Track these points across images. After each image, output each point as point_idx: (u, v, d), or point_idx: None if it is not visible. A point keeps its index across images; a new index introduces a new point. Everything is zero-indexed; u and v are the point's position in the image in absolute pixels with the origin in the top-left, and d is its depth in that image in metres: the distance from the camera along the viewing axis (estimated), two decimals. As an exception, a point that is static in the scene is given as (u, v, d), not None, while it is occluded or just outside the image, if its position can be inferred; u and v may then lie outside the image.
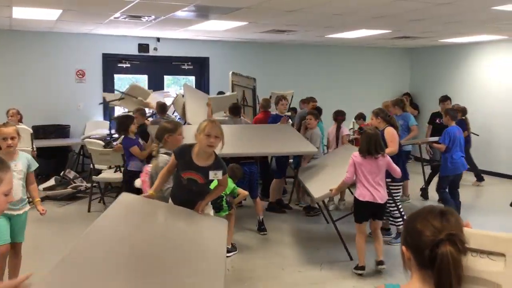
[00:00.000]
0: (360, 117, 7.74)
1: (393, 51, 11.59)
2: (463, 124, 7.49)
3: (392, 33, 8.30)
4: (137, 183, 4.48)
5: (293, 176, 7.11)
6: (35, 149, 6.65)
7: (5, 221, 3.69)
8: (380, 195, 4.57)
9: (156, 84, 9.91)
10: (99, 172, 7.04)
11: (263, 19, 6.90)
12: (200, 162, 3.52)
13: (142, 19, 6.99)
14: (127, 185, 6.02)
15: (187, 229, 3.34)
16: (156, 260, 2.62)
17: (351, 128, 8.05)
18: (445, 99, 8.19)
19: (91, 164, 6.92)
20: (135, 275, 2.43)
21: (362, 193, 4.58)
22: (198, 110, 7.03)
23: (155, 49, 9.65)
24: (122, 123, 6.17)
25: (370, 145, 4.52)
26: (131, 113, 7.11)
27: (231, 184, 5.04)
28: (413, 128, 7.29)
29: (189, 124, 6.58)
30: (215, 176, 3.53)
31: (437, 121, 7.99)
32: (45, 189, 7.16)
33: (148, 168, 4.22)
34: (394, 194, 5.38)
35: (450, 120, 6.35)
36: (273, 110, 7.35)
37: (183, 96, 7.69)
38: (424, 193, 7.57)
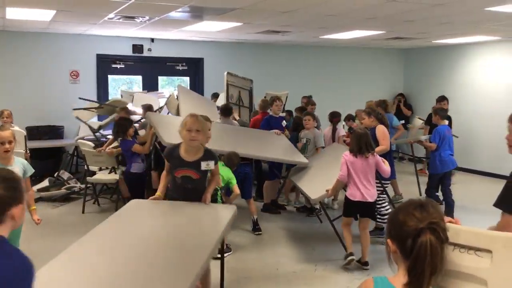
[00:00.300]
0: (350, 118, 7.84)
1: (388, 52, 11.64)
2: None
3: (386, 34, 8.34)
4: None
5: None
6: (28, 151, 6.59)
7: None
8: (370, 194, 4.70)
9: (151, 85, 9.91)
10: (93, 173, 7.02)
11: (257, 20, 6.91)
12: (190, 158, 3.60)
13: (136, 19, 6.98)
14: (132, 188, 6.02)
15: (194, 220, 3.47)
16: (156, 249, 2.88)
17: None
18: (442, 99, 8.32)
19: (85, 165, 6.90)
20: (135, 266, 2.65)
21: (353, 193, 4.71)
22: (192, 111, 6.99)
23: (149, 49, 9.64)
24: (122, 126, 6.09)
25: (360, 144, 4.65)
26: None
27: (229, 173, 5.01)
28: (399, 127, 7.55)
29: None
30: (207, 166, 3.62)
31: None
32: (39, 190, 7.13)
33: None
34: (378, 192, 5.44)
35: (440, 119, 6.53)
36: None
37: (176, 97, 7.68)
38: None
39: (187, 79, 10.45)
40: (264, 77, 9.96)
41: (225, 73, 8.20)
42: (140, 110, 7.73)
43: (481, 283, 1.58)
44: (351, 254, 4.80)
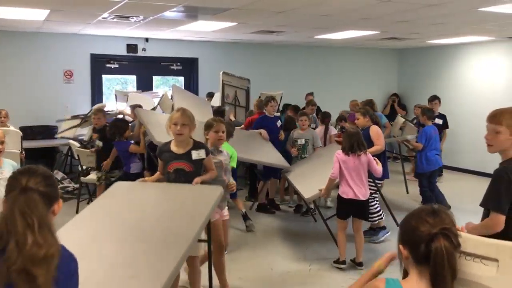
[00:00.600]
0: (342, 118, 7.87)
1: (382, 52, 11.67)
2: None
3: (381, 34, 8.36)
4: None
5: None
6: (23, 152, 6.52)
7: None
8: (362, 192, 4.73)
9: (145, 85, 9.88)
10: (87, 173, 6.99)
11: (252, 20, 6.91)
12: (180, 151, 3.67)
13: (130, 19, 6.96)
14: None
15: (179, 199, 3.48)
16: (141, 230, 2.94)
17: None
18: (433, 98, 8.39)
19: (79, 166, 6.87)
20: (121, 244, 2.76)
21: (345, 191, 4.74)
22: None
23: (144, 49, 9.61)
24: (119, 127, 6.02)
25: (352, 142, 4.70)
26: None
27: (232, 148, 4.81)
28: (387, 125, 7.73)
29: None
30: (198, 155, 3.66)
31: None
32: (32, 190, 7.07)
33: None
34: (371, 191, 5.45)
35: (427, 119, 6.74)
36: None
37: (171, 97, 7.67)
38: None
39: (181, 79, 10.43)
40: (259, 77, 9.94)
41: (221, 72, 8.19)
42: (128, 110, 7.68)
43: None
44: (343, 262, 4.82)
